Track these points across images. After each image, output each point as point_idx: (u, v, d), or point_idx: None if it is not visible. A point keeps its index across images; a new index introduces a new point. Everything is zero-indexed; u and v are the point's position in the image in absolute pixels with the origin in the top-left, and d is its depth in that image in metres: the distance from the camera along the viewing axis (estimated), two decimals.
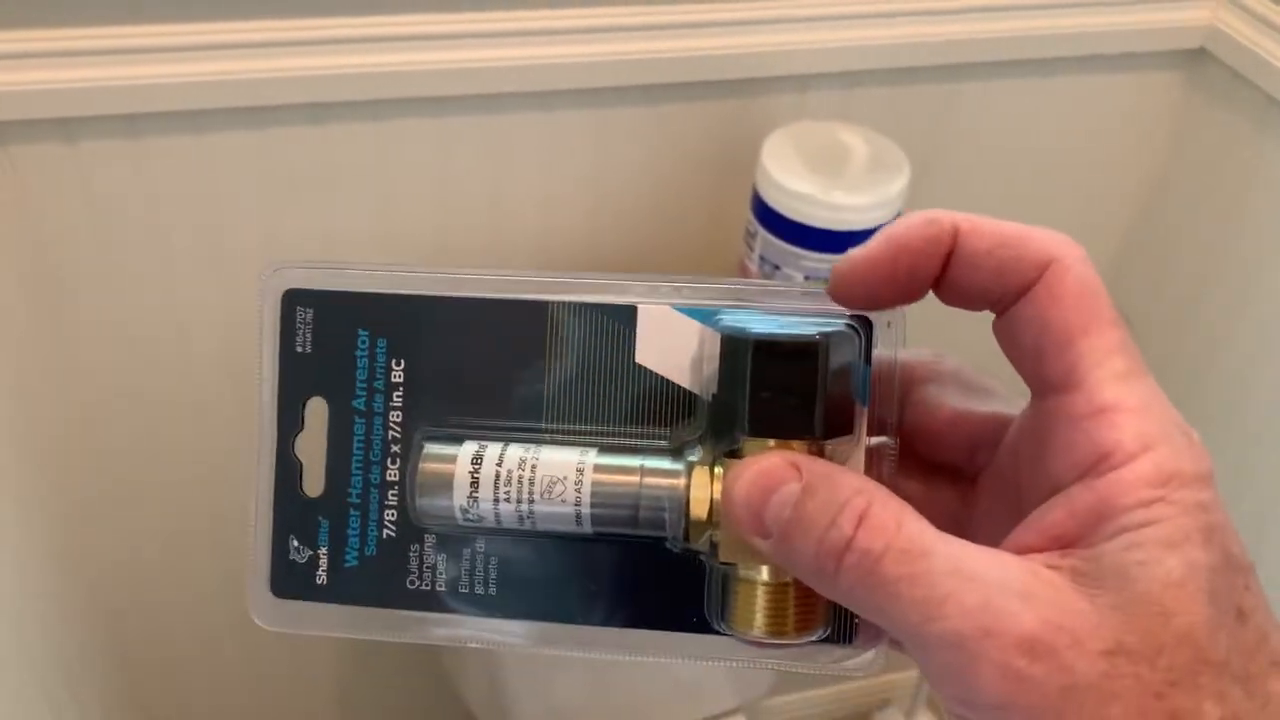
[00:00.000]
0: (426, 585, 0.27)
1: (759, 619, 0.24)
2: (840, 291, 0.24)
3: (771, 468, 0.22)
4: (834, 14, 0.78)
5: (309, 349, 0.26)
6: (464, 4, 0.70)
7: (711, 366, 0.25)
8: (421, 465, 0.26)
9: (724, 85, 0.79)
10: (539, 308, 0.26)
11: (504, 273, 0.26)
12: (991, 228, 0.23)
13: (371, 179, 0.76)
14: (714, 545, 0.25)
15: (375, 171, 0.76)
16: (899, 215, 0.73)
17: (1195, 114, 0.90)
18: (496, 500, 0.25)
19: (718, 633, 0.26)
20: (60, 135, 0.68)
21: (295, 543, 0.27)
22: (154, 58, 0.67)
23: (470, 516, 0.26)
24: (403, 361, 0.26)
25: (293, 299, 0.26)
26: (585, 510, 0.25)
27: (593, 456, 0.25)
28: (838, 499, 0.21)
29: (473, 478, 0.25)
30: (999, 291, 0.23)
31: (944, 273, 0.24)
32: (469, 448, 0.25)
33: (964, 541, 0.21)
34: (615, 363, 0.25)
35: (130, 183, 0.71)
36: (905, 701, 1.32)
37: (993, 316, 0.24)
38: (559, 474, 0.25)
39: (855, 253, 0.24)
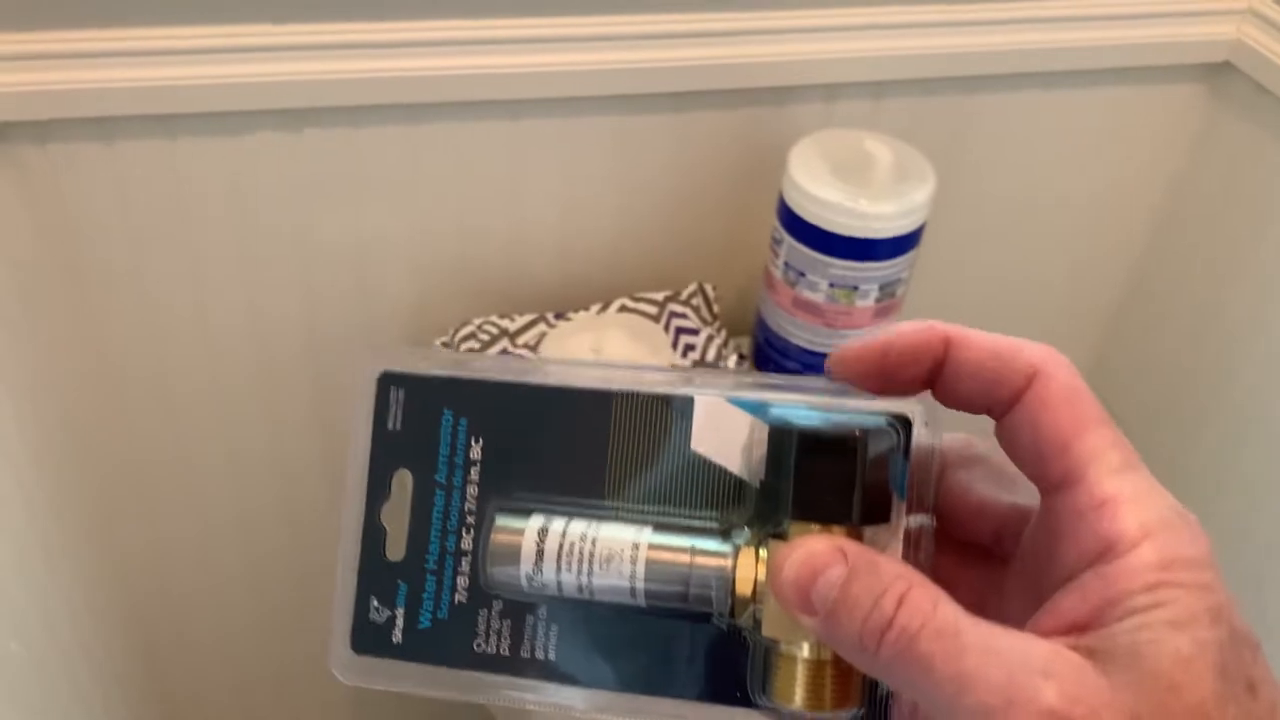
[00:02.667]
0: (492, 649, 0.28)
1: (799, 693, 0.26)
2: (836, 371, 0.27)
3: (819, 551, 0.24)
4: (861, 24, 0.78)
5: (399, 426, 0.29)
6: (493, 10, 0.71)
7: (760, 454, 0.27)
8: (493, 536, 0.28)
9: (751, 93, 0.79)
10: (605, 397, 0.28)
11: (575, 362, 0.29)
12: (981, 341, 0.25)
13: (399, 183, 0.77)
14: (757, 622, 0.26)
15: (403, 176, 0.76)
16: (924, 224, 0.73)
17: (1219, 127, 0.90)
18: (559, 570, 0.27)
19: (759, 707, 0.27)
20: (97, 134, 0.69)
21: (375, 603, 0.29)
22: (190, 59, 0.68)
23: (535, 584, 0.28)
24: (481, 440, 0.28)
25: (387, 380, 0.29)
26: (639, 585, 0.27)
27: (648, 535, 0.27)
28: (881, 582, 0.23)
29: (538, 549, 0.27)
30: (991, 400, 0.25)
31: (939, 378, 0.26)
32: (536, 521, 0.28)
33: (992, 623, 0.23)
34: (672, 449, 0.28)
35: (163, 182, 0.72)
36: None
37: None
38: (616, 550, 0.27)
39: (853, 342, 0.26)
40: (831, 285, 0.73)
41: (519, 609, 0.28)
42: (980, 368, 0.25)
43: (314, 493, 0.94)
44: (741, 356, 0.80)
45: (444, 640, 0.29)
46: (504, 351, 0.79)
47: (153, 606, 0.98)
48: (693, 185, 0.83)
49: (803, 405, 0.27)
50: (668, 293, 0.84)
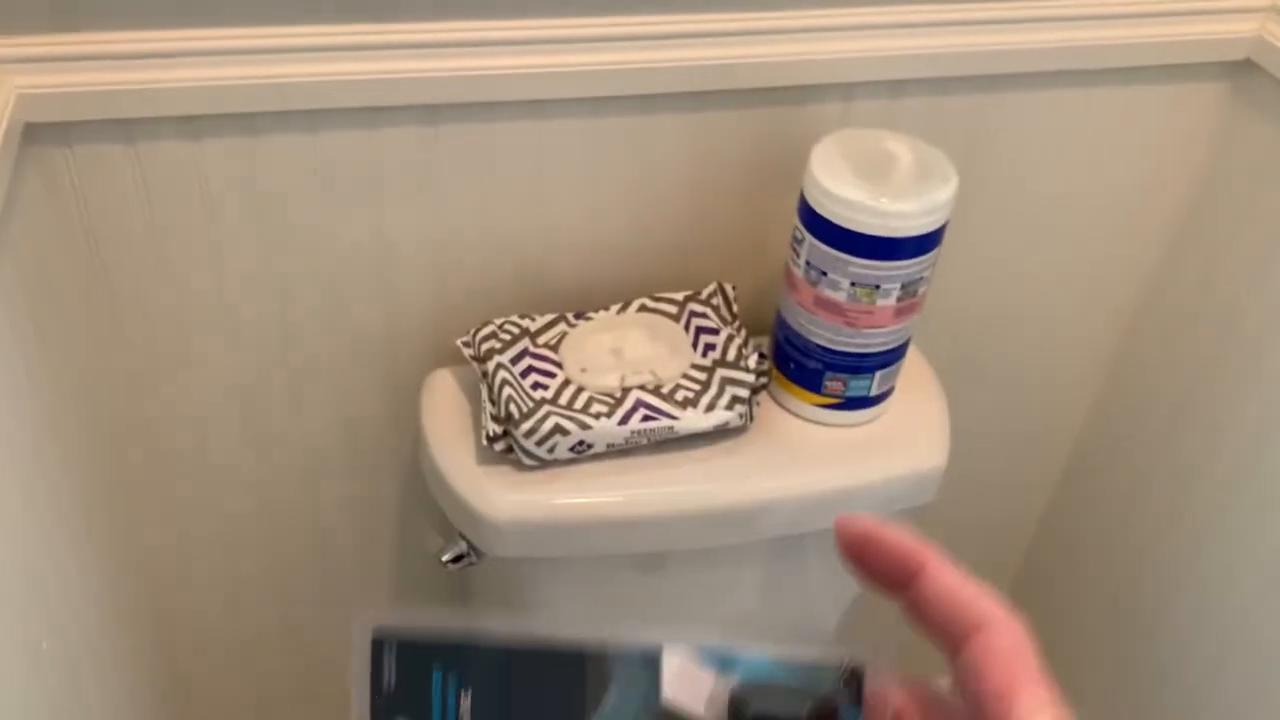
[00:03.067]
0: None
1: None
2: (839, 532, 0.29)
3: None
4: (880, 23, 0.78)
5: (392, 686, 0.30)
6: (512, 11, 0.71)
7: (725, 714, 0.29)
8: None
9: (770, 93, 0.79)
10: (578, 656, 0.29)
11: (548, 625, 0.30)
12: (949, 579, 0.27)
13: (419, 183, 0.77)
14: None
15: (423, 176, 0.77)
16: (945, 223, 0.73)
17: (1240, 125, 0.90)
18: None
19: None
20: (122, 136, 0.70)
21: None
22: (210, 60, 0.68)
23: None
24: (470, 693, 0.30)
25: (379, 642, 0.30)
26: None
27: None
28: None
29: None
30: (943, 635, 0.27)
31: (908, 595, 0.28)
32: None
33: None
34: (644, 702, 0.29)
35: (187, 183, 0.73)
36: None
37: None
38: None
39: (857, 516, 0.29)
40: (853, 284, 0.73)
41: None
42: (939, 602, 0.27)
43: (338, 487, 0.94)
44: (762, 355, 0.80)
45: None
46: (524, 352, 0.79)
47: (175, 603, 0.99)
48: (713, 185, 0.83)
49: (766, 657, 0.29)
50: (688, 292, 0.84)
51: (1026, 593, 1.28)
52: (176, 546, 0.95)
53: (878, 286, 0.73)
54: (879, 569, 0.28)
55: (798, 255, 0.76)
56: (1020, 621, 0.26)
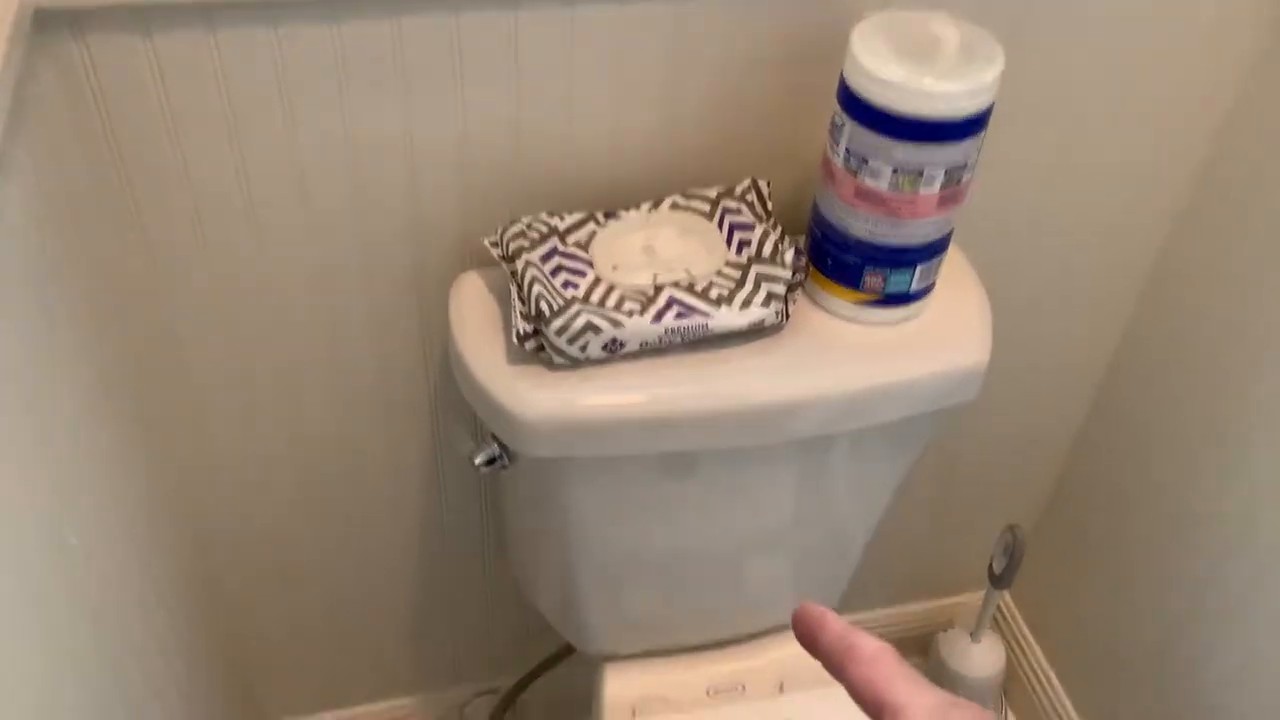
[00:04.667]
0: None
1: None
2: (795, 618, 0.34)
3: None
4: None
5: None
6: None
7: None
8: None
9: None
10: None
11: None
12: (832, 626, 0.32)
13: (445, 78, 0.74)
14: None
15: (449, 70, 0.74)
16: (991, 106, 0.70)
17: None
18: None
19: None
20: (136, 25, 0.67)
21: None
22: None
23: None
24: None
25: None
26: None
27: None
28: None
29: None
30: (831, 668, 0.32)
31: (816, 644, 0.32)
32: None
33: None
34: None
35: (205, 76, 0.71)
36: (970, 623, 1.31)
37: None
38: None
39: (810, 608, 0.33)
40: (895, 171, 0.70)
41: None
42: (827, 645, 0.32)
43: (367, 394, 0.93)
44: (799, 251, 0.78)
45: None
46: (553, 251, 0.77)
47: (206, 507, 0.99)
48: (747, 75, 0.80)
49: None
50: (721, 189, 0.81)
51: (1064, 500, 1.26)
52: (207, 460, 0.94)
53: (921, 173, 0.70)
54: (804, 640, 0.33)
55: (836, 144, 0.73)
56: (874, 642, 0.31)
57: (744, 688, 1.00)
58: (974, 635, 1.29)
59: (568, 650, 1.15)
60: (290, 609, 1.13)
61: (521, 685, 1.22)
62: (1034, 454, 1.22)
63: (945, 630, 1.33)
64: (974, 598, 1.38)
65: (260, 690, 1.21)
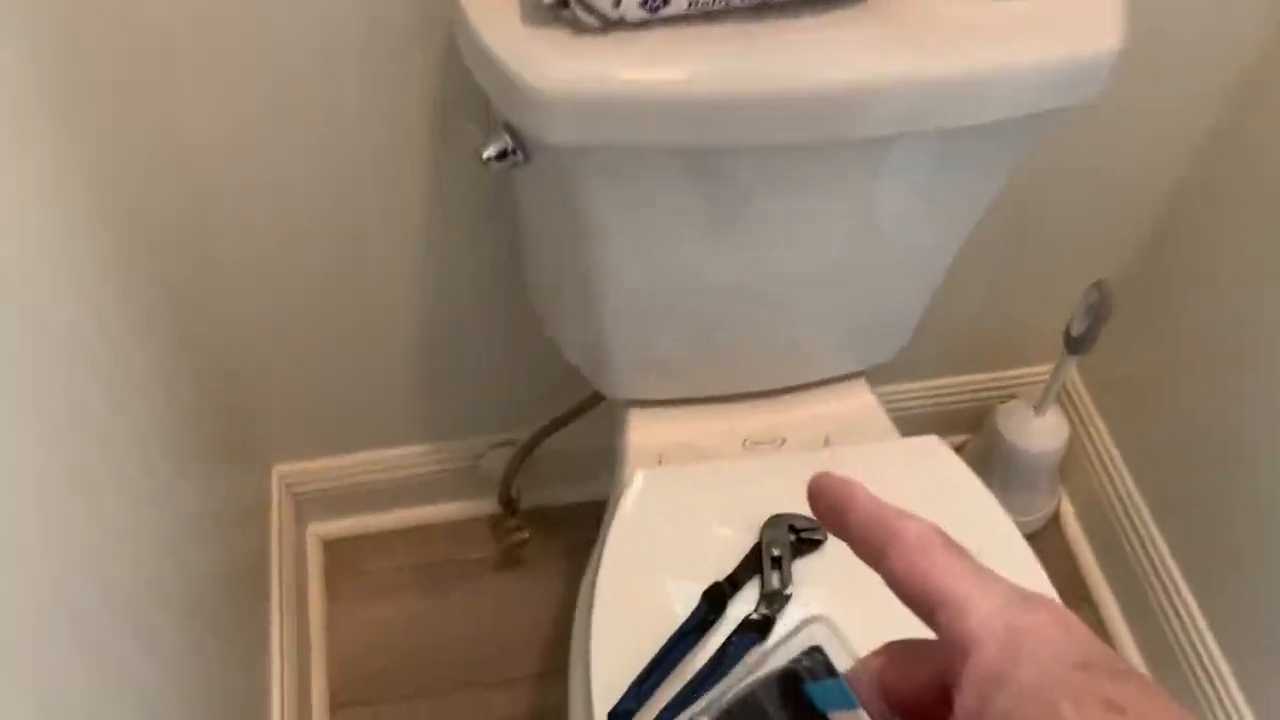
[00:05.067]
0: None
1: None
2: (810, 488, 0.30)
3: None
4: None
5: None
6: None
7: None
8: None
9: None
10: None
11: None
12: (865, 501, 0.29)
13: None
14: None
15: None
16: None
17: None
18: None
19: None
20: None
21: None
22: None
23: None
24: None
25: None
26: None
27: None
28: None
29: None
30: (865, 555, 0.28)
31: (844, 524, 0.29)
32: None
33: None
34: None
35: None
36: (1034, 396, 1.20)
37: None
38: None
39: (836, 480, 0.29)
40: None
41: None
42: (860, 528, 0.28)
43: (362, 77, 0.80)
44: None
45: None
46: None
47: (202, 252, 0.88)
48: None
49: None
50: None
51: (1148, 266, 1.12)
52: (192, 174, 0.82)
53: None
54: (823, 513, 0.29)
55: None
56: (929, 525, 0.27)
57: (783, 441, 0.90)
58: (1038, 408, 1.18)
59: (591, 402, 1.06)
60: (290, 349, 1.03)
61: (541, 435, 1.13)
62: (1128, 201, 1.07)
63: (1006, 401, 1.22)
64: (1038, 372, 1.26)
65: (259, 434, 1.13)
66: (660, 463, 0.87)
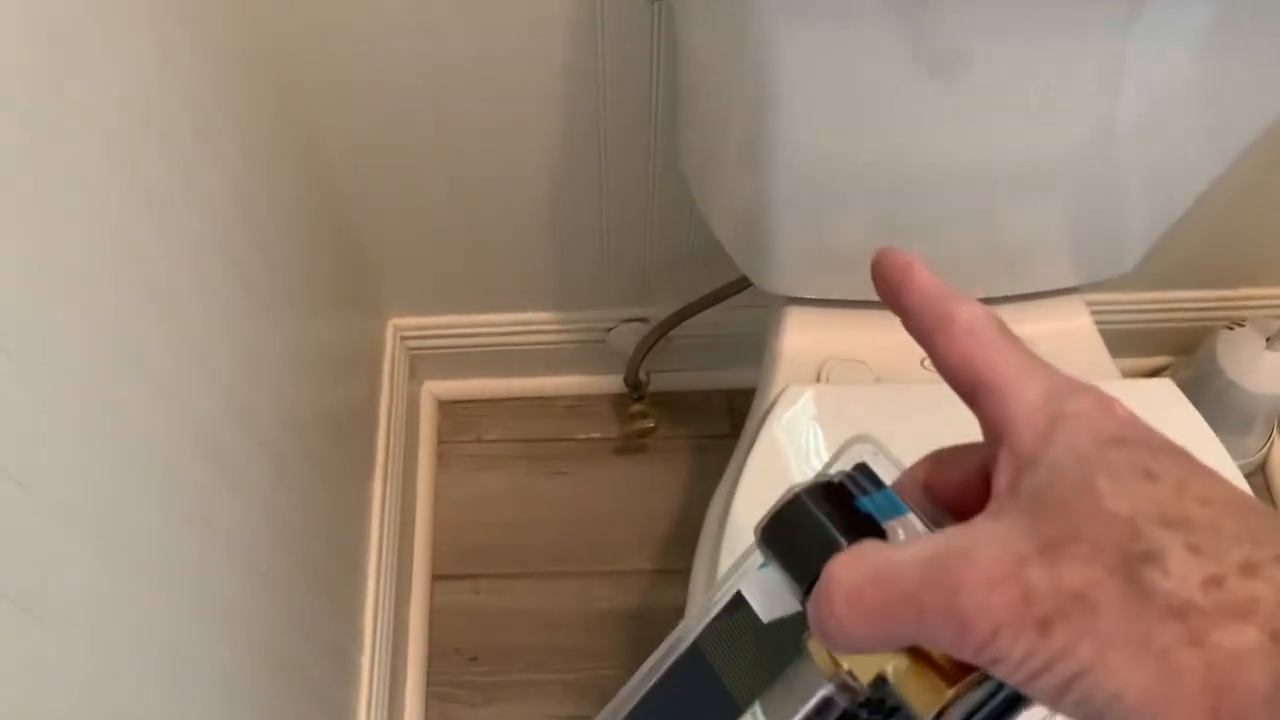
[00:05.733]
0: None
1: (921, 699, 0.25)
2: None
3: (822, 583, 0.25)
4: None
5: None
6: None
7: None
8: None
9: None
10: (694, 652, 0.29)
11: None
12: (919, 283, 0.27)
13: None
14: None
15: None
16: None
17: None
18: None
19: None
20: None
21: None
22: None
23: None
24: None
25: None
26: None
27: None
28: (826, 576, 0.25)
29: None
30: (919, 333, 0.27)
31: (899, 302, 0.28)
32: None
33: (927, 536, 0.24)
34: (755, 633, 0.28)
35: None
36: (1266, 326, 1.00)
37: None
38: None
39: (896, 254, 0.29)
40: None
41: None
42: (915, 307, 0.27)
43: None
44: None
45: None
46: None
47: (322, 112, 0.75)
48: None
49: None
50: None
51: None
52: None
53: None
54: (879, 283, 0.29)
55: None
56: (983, 312, 0.26)
57: None
58: (1271, 342, 0.98)
59: (739, 284, 0.92)
60: (416, 196, 0.92)
61: (678, 317, 1.00)
62: None
63: (1231, 328, 1.03)
64: (1272, 297, 1.06)
65: (376, 284, 1.03)
66: (819, 378, 0.73)
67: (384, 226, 0.96)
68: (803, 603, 0.26)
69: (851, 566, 0.24)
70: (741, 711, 0.28)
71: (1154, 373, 1.14)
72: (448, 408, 1.21)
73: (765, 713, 0.28)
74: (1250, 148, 0.63)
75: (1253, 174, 0.90)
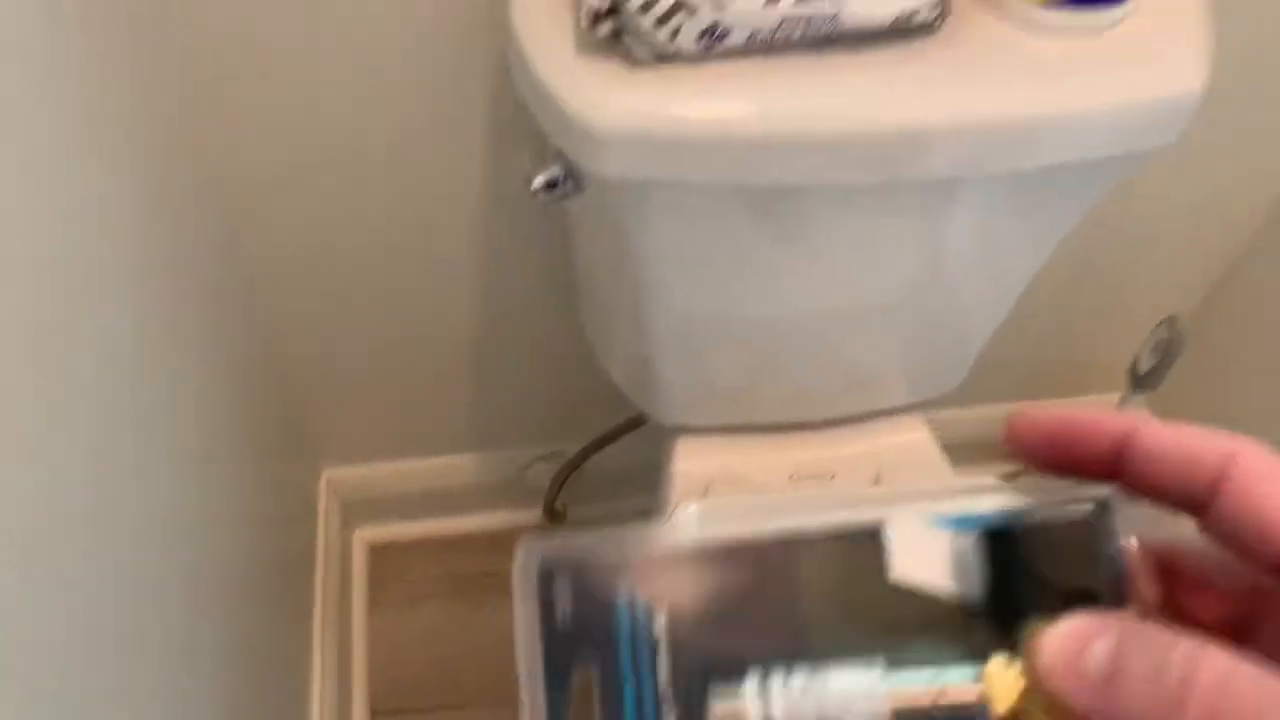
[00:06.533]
0: None
1: None
2: (1013, 433, 0.26)
3: (1081, 623, 0.23)
4: None
5: (569, 622, 0.26)
6: None
7: (975, 572, 0.25)
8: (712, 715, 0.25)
9: None
10: (789, 546, 0.26)
11: (742, 519, 0.26)
12: (1167, 430, 0.24)
13: None
14: None
15: None
16: None
17: None
18: None
19: None
20: None
21: None
22: None
23: None
24: (663, 615, 0.26)
25: (548, 573, 0.26)
26: None
27: (879, 671, 0.25)
28: (1160, 641, 0.21)
29: (764, 707, 0.25)
30: (1187, 486, 0.24)
31: (1123, 468, 0.25)
32: (751, 684, 0.25)
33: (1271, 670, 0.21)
34: (870, 586, 0.26)
35: None
36: None
37: None
38: (856, 691, 0.25)
39: (1033, 411, 0.26)
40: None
41: None
42: (1170, 452, 0.24)
43: (416, 102, 0.79)
44: None
45: None
46: None
47: (258, 255, 0.87)
48: None
49: (1002, 509, 0.26)
50: None
51: (1226, 298, 1.08)
52: (249, 168, 0.82)
53: None
54: (1082, 448, 0.25)
55: None
56: (1264, 446, 0.23)
57: (833, 476, 0.88)
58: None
59: (641, 418, 1.04)
60: (345, 354, 1.03)
61: (588, 451, 1.12)
62: (1206, 232, 1.03)
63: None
64: (1102, 401, 1.22)
65: (310, 437, 1.13)
66: (707, 492, 0.85)
67: (320, 383, 1.07)
68: (1041, 609, 0.23)
69: (1217, 659, 0.21)
70: (801, 644, 0.25)
71: (1007, 478, 1.29)
72: (378, 550, 1.29)
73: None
74: (1034, 279, 0.79)
75: (1072, 295, 1.07)
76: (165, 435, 0.71)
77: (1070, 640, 0.22)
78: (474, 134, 0.82)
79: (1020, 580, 0.25)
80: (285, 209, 0.86)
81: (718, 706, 0.25)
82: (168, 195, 0.76)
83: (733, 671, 0.25)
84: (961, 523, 0.25)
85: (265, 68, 0.75)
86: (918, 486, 0.26)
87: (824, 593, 0.26)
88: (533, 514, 1.25)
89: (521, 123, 0.78)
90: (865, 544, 0.25)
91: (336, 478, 1.20)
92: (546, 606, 0.26)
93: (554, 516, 1.21)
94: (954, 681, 0.24)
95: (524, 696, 0.26)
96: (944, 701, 0.24)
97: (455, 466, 1.21)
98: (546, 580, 0.26)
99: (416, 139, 0.82)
